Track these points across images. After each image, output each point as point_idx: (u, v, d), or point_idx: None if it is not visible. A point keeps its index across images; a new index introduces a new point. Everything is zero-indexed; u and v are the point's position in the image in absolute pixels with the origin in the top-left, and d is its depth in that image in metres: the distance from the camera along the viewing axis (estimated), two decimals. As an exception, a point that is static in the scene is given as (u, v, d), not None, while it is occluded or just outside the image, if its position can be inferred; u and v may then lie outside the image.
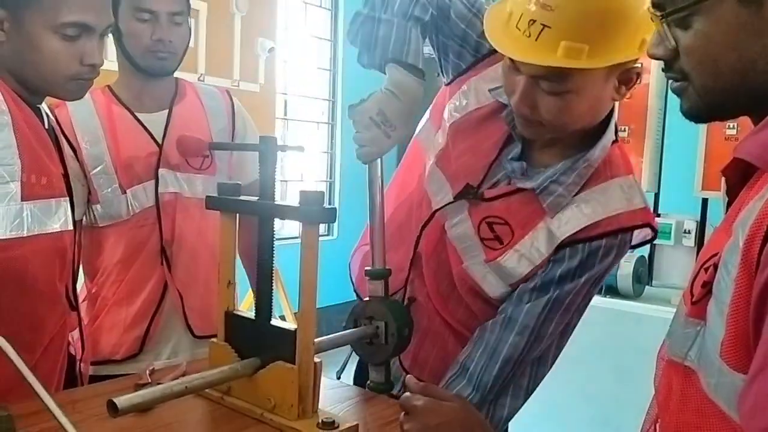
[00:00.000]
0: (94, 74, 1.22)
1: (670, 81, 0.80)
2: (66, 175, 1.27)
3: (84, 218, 1.55)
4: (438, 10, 1.20)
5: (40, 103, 1.25)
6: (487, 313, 1.23)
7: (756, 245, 0.62)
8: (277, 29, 3.82)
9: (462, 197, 1.20)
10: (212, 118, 1.64)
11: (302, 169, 4.87)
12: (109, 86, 1.61)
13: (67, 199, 1.24)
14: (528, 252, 1.16)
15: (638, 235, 1.18)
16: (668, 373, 0.77)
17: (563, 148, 1.17)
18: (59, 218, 1.21)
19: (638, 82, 1.09)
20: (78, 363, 1.35)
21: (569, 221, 1.14)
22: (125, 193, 1.52)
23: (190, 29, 1.59)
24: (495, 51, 1.13)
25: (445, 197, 1.23)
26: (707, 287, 0.69)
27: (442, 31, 1.23)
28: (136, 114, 1.57)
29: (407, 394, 0.90)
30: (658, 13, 0.76)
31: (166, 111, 1.59)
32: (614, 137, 1.19)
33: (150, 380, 1.18)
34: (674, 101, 0.82)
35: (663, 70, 0.80)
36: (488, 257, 1.19)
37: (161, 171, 1.53)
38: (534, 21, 1.00)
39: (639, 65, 1.07)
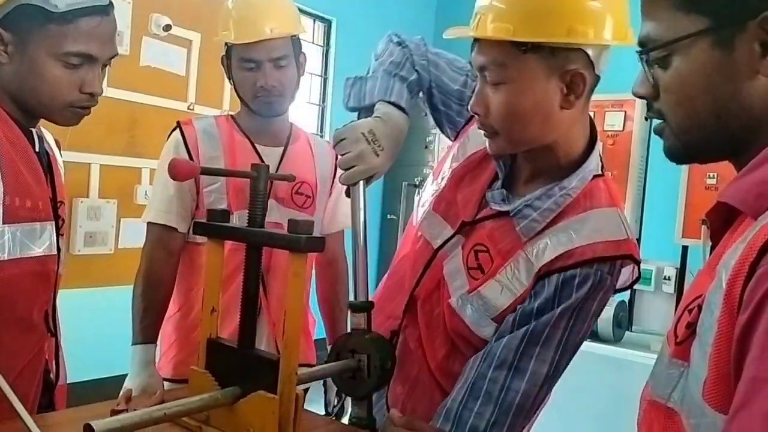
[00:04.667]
0: (92, 103, 1.23)
1: (643, 114, 0.82)
2: (54, 200, 1.26)
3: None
4: (428, 74, 1.31)
5: (34, 126, 1.25)
6: None
7: (738, 286, 0.63)
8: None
9: (459, 233, 1.21)
10: (318, 164, 1.77)
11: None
12: (232, 116, 1.74)
13: (53, 223, 1.23)
14: (509, 282, 1.15)
15: (625, 273, 1.16)
16: (650, 414, 0.77)
17: (544, 182, 1.16)
18: (43, 242, 1.19)
19: (585, 89, 1.07)
20: (54, 389, 1.32)
21: (545, 250, 1.12)
22: (232, 214, 1.57)
23: (299, 68, 1.70)
24: None
25: (445, 236, 1.23)
26: (691, 328, 0.70)
27: (440, 91, 1.32)
28: (256, 145, 1.68)
29: (390, 427, 0.89)
30: (641, 52, 0.78)
31: (282, 148, 1.72)
32: (599, 171, 1.17)
33: (126, 407, 1.16)
34: (656, 149, 0.83)
35: (647, 110, 0.83)
36: (471, 287, 1.17)
37: (270, 201, 1.58)
38: (476, 14, 1.09)
39: (582, 72, 1.06)
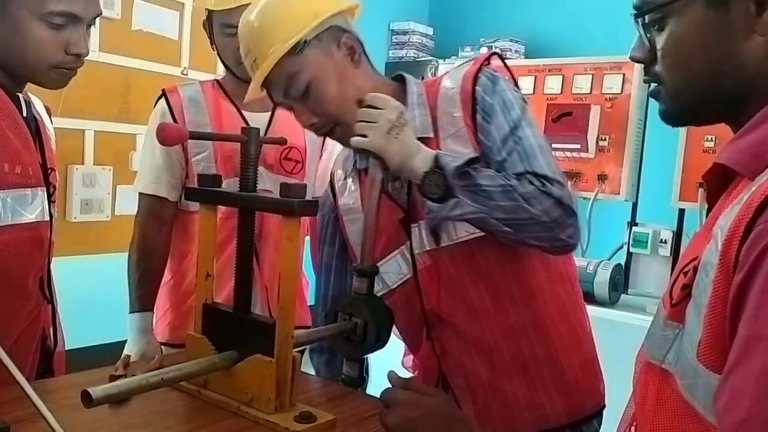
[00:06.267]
0: (78, 64, 1.21)
1: (642, 77, 0.82)
2: (44, 165, 1.25)
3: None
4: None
5: (20, 91, 1.23)
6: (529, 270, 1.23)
7: (734, 246, 0.63)
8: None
9: (408, 229, 1.24)
10: None
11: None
12: (218, 81, 1.72)
13: (44, 189, 1.22)
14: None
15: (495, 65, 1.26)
16: (645, 376, 0.78)
17: None
18: (35, 208, 1.19)
19: (359, 47, 1.22)
20: (52, 356, 1.33)
21: (451, 117, 1.20)
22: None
23: None
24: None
25: (406, 256, 1.25)
26: (686, 290, 0.70)
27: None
28: (242, 111, 1.66)
29: (388, 387, 0.90)
30: (635, 14, 0.78)
31: (269, 113, 1.68)
32: (419, 79, 1.30)
33: (125, 372, 1.17)
34: (654, 112, 0.85)
35: (644, 74, 0.82)
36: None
37: (258, 168, 1.55)
38: (248, 65, 1.23)
39: (348, 32, 1.21)
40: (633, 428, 0.80)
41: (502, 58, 1.30)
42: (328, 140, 1.81)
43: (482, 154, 1.17)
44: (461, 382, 1.26)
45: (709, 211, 0.79)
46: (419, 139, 1.18)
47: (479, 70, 1.22)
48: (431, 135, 1.21)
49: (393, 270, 1.27)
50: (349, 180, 1.34)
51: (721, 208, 0.72)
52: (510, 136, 1.17)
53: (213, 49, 1.68)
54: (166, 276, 1.70)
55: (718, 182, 0.76)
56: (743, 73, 0.71)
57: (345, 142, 1.24)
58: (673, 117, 0.80)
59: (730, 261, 0.63)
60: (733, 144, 0.73)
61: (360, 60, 1.23)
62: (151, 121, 1.69)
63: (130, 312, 1.61)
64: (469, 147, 1.18)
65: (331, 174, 1.42)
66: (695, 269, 0.69)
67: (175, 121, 1.62)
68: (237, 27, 1.56)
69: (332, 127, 1.22)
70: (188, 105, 1.64)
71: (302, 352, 1.66)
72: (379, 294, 1.26)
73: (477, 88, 1.20)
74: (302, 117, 1.22)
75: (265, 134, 1.65)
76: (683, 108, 0.78)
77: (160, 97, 1.67)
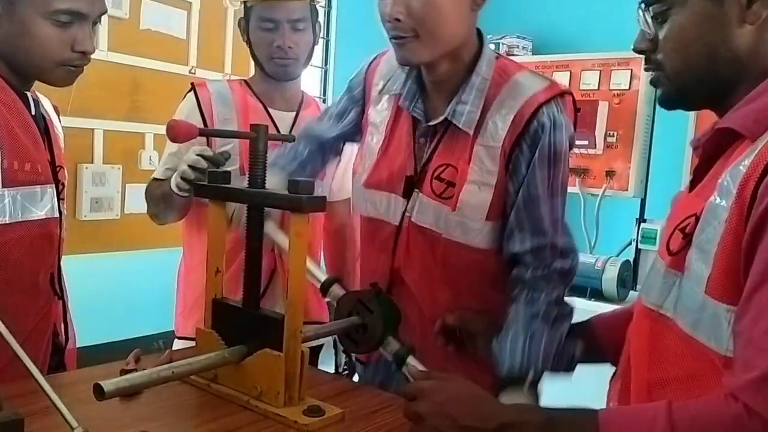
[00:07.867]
0: (84, 61, 1.22)
1: (649, 75, 0.91)
2: (53, 162, 1.26)
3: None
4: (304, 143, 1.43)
5: (28, 89, 1.25)
6: (494, 295, 1.24)
7: (750, 185, 0.71)
8: (270, 25, 3.81)
9: (411, 190, 1.25)
10: None
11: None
12: (245, 80, 1.76)
13: (53, 186, 1.23)
14: (480, 177, 1.19)
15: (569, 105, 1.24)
16: (640, 322, 0.87)
17: (454, 89, 1.22)
18: (44, 205, 1.20)
19: (480, 3, 1.20)
20: (63, 352, 1.34)
21: (497, 128, 1.19)
22: (244, 174, 1.57)
23: (315, 33, 1.72)
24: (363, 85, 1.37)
25: (397, 205, 1.27)
26: (687, 239, 0.79)
27: (327, 132, 1.44)
28: (268, 109, 1.69)
29: (410, 382, 0.92)
30: (643, 7, 0.88)
31: (294, 113, 1.74)
32: (495, 55, 1.27)
33: (136, 366, 1.18)
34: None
35: (644, 64, 0.91)
36: (451, 207, 1.21)
37: None
38: None
39: None
40: (621, 381, 0.91)
41: (575, 104, 1.26)
42: (345, 146, 1.83)
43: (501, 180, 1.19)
44: (408, 341, 1.26)
45: (694, 180, 0.87)
46: (457, 130, 1.21)
47: (547, 101, 1.18)
48: (470, 133, 1.20)
49: (382, 205, 1.29)
50: (384, 97, 1.34)
51: (720, 170, 0.80)
52: (548, 194, 1.19)
53: (246, 44, 1.71)
54: (185, 270, 1.72)
55: (714, 149, 0.84)
56: (735, 57, 0.82)
57: (406, 58, 1.20)
58: (670, 99, 0.89)
59: (746, 199, 0.71)
60: (736, 112, 0.82)
61: (476, 13, 1.21)
62: (178, 113, 1.71)
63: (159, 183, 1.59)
64: (496, 166, 1.19)
65: (370, 71, 1.39)
66: (697, 219, 0.78)
67: (202, 114, 1.65)
68: (275, 21, 1.61)
69: (410, 36, 1.16)
70: (216, 99, 1.67)
71: (319, 349, 1.68)
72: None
73: (534, 122, 1.17)
74: (395, 7, 1.14)
75: (290, 131, 1.68)
76: (680, 88, 0.88)
77: (189, 91, 1.71)
